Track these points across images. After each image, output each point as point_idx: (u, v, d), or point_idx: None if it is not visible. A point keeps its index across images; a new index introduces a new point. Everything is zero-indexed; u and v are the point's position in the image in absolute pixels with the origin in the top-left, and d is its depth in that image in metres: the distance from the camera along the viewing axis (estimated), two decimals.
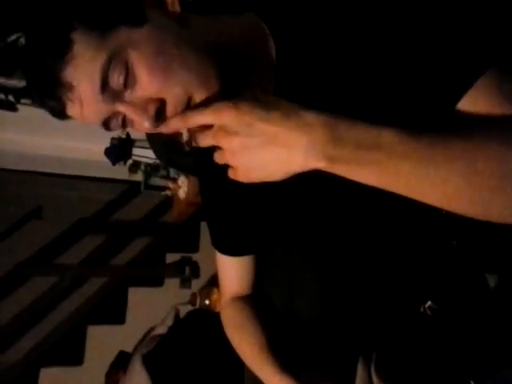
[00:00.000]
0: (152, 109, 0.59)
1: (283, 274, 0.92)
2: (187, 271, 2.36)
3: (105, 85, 0.58)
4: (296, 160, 0.54)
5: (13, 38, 1.10)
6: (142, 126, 0.61)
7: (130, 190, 2.45)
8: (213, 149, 0.71)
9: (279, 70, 0.67)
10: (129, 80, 0.59)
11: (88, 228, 2.44)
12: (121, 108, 0.60)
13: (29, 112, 1.59)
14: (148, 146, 1.61)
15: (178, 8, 0.63)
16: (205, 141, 0.59)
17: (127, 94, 0.60)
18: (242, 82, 0.65)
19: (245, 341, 0.91)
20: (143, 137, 1.73)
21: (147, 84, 0.59)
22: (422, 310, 0.72)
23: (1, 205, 2.25)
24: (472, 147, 0.51)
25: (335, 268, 0.84)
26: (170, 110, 0.60)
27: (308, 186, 0.70)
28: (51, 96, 0.60)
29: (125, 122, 0.63)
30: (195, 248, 2.43)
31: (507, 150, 0.51)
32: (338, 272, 0.83)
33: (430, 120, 0.57)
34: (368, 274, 0.80)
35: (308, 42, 0.64)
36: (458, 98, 0.57)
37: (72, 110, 0.61)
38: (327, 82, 0.63)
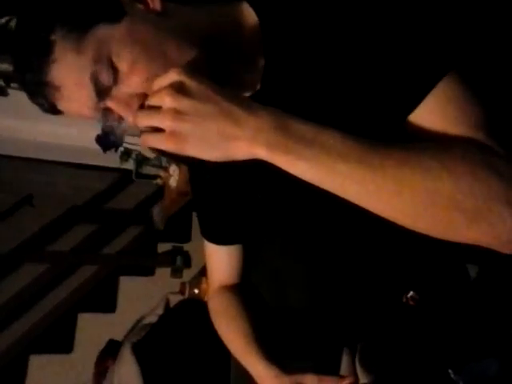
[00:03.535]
0: (135, 104, 0.59)
1: (271, 265, 0.92)
2: (178, 261, 2.36)
3: (92, 83, 0.58)
4: (240, 142, 0.53)
5: (2, 21, 1.08)
6: (127, 120, 0.61)
7: (122, 178, 2.43)
8: None
9: (266, 60, 0.67)
10: (115, 77, 0.58)
11: (79, 216, 2.43)
12: (108, 104, 0.60)
13: (20, 97, 1.57)
14: (139, 134, 1.60)
15: (158, 4, 0.62)
16: (153, 97, 0.55)
17: (114, 90, 0.59)
18: (227, 72, 0.64)
19: (230, 329, 0.91)
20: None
21: (129, 79, 0.59)
22: (404, 300, 0.72)
23: None
24: (408, 159, 0.52)
25: (321, 259, 0.84)
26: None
27: (291, 182, 0.71)
28: (39, 95, 0.60)
29: (121, 117, 0.63)
30: (187, 238, 2.43)
31: (438, 166, 0.51)
32: (324, 263, 0.84)
33: (382, 130, 0.57)
34: (352, 265, 0.80)
35: (294, 40, 0.64)
36: (408, 112, 0.57)
37: (63, 106, 0.62)
38: (305, 80, 0.64)
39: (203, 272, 2.13)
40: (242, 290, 0.96)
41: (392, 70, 0.57)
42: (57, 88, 0.59)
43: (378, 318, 0.78)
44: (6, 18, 1.06)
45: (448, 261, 0.76)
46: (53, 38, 0.58)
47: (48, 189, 2.38)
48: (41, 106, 0.62)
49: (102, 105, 0.60)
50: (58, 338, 2.14)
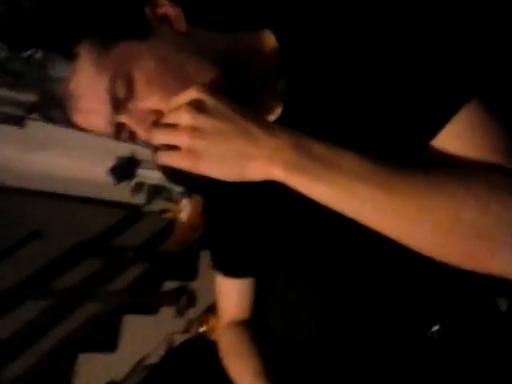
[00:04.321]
0: (149, 120, 0.60)
1: (284, 299, 0.89)
2: (183, 300, 2.31)
3: (109, 97, 0.59)
4: (257, 162, 0.53)
5: (28, 53, 1.11)
6: (140, 136, 0.62)
7: (131, 214, 2.43)
8: None
9: (287, 86, 0.68)
10: (131, 92, 0.60)
11: (85, 252, 2.41)
12: (122, 118, 0.61)
13: (34, 129, 1.60)
14: (154, 167, 1.61)
15: (183, 26, 0.64)
16: (171, 114, 0.55)
17: (130, 105, 0.60)
18: (247, 96, 0.65)
19: (239, 365, 0.88)
20: (149, 157, 1.74)
21: (145, 95, 0.60)
22: (429, 334, 0.69)
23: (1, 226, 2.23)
24: (431, 184, 0.51)
25: (337, 291, 0.82)
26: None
27: (307, 211, 0.70)
28: (57, 106, 0.61)
29: (133, 133, 0.63)
30: (193, 276, 2.40)
31: (464, 192, 0.50)
32: (340, 295, 0.81)
33: (403, 155, 0.56)
34: (370, 297, 0.78)
35: (314, 66, 0.65)
36: (430, 137, 0.57)
37: (79, 118, 0.63)
38: (325, 104, 0.64)
39: (209, 310, 2.09)
40: (253, 326, 0.93)
41: (414, 95, 0.57)
42: (75, 99, 0.61)
43: (400, 354, 0.74)
44: (32, 51, 1.09)
45: (475, 293, 0.73)
46: (78, 49, 0.59)
47: (56, 223, 2.38)
48: (60, 119, 0.63)
49: (116, 119, 0.61)
50: (55, 378, 2.07)
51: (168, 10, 0.64)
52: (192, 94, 0.54)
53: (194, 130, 0.53)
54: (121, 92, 0.60)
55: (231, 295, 0.93)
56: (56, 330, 2.17)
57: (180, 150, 0.53)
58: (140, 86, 0.60)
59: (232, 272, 0.91)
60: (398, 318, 0.77)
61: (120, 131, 0.63)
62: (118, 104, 0.60)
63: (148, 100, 0.60)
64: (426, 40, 0.57)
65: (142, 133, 0.61)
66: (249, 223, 0.85)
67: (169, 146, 0.54)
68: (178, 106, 0.54)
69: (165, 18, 0.64)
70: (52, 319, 2.18)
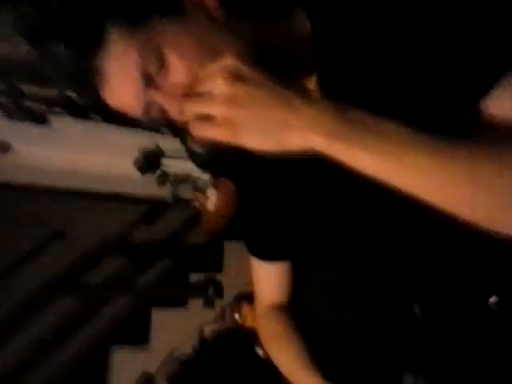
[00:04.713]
0: (180, 93, 0.58)
1: (322, 280, 0.88)
2: (211, 291, 2.32)
3: (139, 72, 0.58)
4: (296, 131, 0.50)
5: (51, 45, 1.11)
6: (170, 111, 0.60)
7: (157, 208, 2.44)
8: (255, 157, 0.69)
9: (321, 68, 0.66)
10: (161, 67, 0.58)
11: (112, 248, 2.44)
12: (153, 94, 0.60)
13: (58, 126, 1.60)
14: (177, 155, 1.61)
15: (218, 13, 0.62)
16: (206, 82, 0.53)
17: (160, 80, 0.59)
18: (281, 76, 0.63)
19: (283, 350, 0.87)
20: (172, 147, 1.73)
21: (176, 70, 0.58)
22: (487, 305, 0.67)
23: (25, 225, 2.26)
24: (482, 150, 0.49)
25: (380, 269, 0.80)
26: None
27: (344, 188, 0.68)
28: (87, 84, 0.60)
29: (163, 110, 0.62)
30: (219, 268, 2.40)
31: None
32: (383, 273, 0.79)
33: (452, 122, 0.55)
34: (421, 272, 0.76)
35: (347, 43, 0.63)
36: (479, 99, 0.55)
37: (109, 96, 0.62)
38: (365, 80, 0.62)
39: (239, 299, 2.09)
40: (293, 309, 0.92)
41: (460, 57, 0.55)
42: (105, 75, 0.60)
43: (457, 327, 0.72)
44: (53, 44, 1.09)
45: None
46: (109, 25, 0.58)
47: (81, 220, 2.40)
48: (91, 99, 0.63)
49: (147, 95, 0.60)
50: (90, 372, 2.10)
51: None
52: (227, 61, 0.52)
53: (230, 98, 0.50)
54: (151, 67, 0.58)
55: (269, 279, 0.92)
56: (88, 325, 2.20)
57: (216, 121, 0.51)
58: (171, 59, 0.58)
59: (268, 256, 0.89)
60: (453, 292, 0.74)
61: (149, 109, 0.62)
62: (149, 79, 0.59)
63: (180, 73, 0.59)
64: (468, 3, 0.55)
65: (173, 108, 0.60)
66: (282, 204, 0.84)
67: (204, 117, 0.52)
68: (213, 74, 0.52)
69: (201, 5, 0.63)
70: (84, 315, 2.21)
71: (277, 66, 0.62)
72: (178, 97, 0.59)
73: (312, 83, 0.67)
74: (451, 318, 0.74)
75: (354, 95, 0.61)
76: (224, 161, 0.83)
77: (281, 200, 0.83)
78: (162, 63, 0.58)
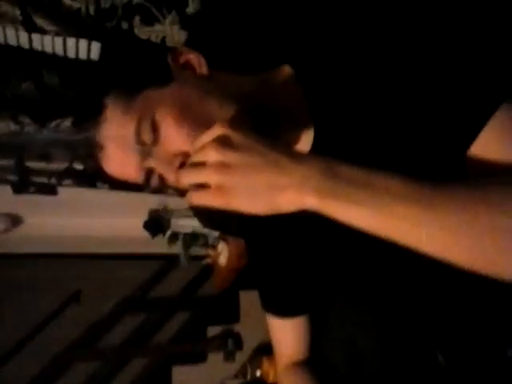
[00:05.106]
0: (176, 162, 0.61)
1: (342, 333, 0.87)
2: (230, 344, 2.27)
3: (136, 143, 0.62)
4: (288, 192, 0.51)
5: (54, 123, 1.16)
6: (169, 179, 0.63)
7: (169, 263, 2.44)
8: None
9: (315, 119, 0.68)
10: (156, 137, 0.61)
11: (128, 307, 2.42)
12: (150, 163, 0.63)
13: (67, 195, 1.63)
14: (186, 215, 1.63)
15: (205, 70, 0.66)
16: (197, 153, 0.55)
17: (156, 150, 0.62)
18: (271, 130, 0.65)
19: None
20: (181, 206, 1.75)
21: (171, 140, 0.62)
22: (508, 354, 0.65)
23: (40, 291, 2.26)
24: (472, 196, 0.49)
25: (401, 320, 0.79)
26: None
27: (352, 236, 0.68)
28: (88, 157, 0.64)
29: (162, 178, 0.64)
30: (236, 318, 2.37)
31: (507, 200, 0.48)
32: (404, 324, 0.78)
33: (441, 170, 0.56)
34: (445, 320, 0.74)
35: (336, 93, 0.65)
36: (466, 147, 0.56)
37: (109, 168, 0.66)
38: (356, 134, 0.64)
39: (257, 353, 2.05)
40: (314, 365, 0.90)
41: (446, 107, 0.57)
42: (103, 148, 0.63)
43: (476, 376, 0.70)
44: (59, 120, 1.14)
45: None
46: (106, 100, 0.62)
47: (95, 283, 2.39)
48: (91, 169, 0.66)
49: (145, 164, 0.63)
50: None
51: (189, 56, 0.67)
52: (216, 130, 0.54)
53: (221, 166, 0.52)
54: (147, 137, 0.61)
55: (286, 336, 0.91)
56: None
57: (210, 189, 0.53)
58: (165, 129, 0.61)
59: (284, 311, 0.89)
60: (475, 340, 0.73)
61: (149, 177, 0.65)
62: (145, 149, 0.62)
63: (173, 143, 0.62)
64: (452, 52, 0.57)
65: (170, 176, 0.62)
66: (292, 258, 0.84)
67: (199, 186, 0.54)
68: (204, 145, 0.54)
69: (187, 65, 0.67)
70: (102, 379, 2.17)
71: (265, 118, 0.64)
72: (174, 166, 0.61)
73: (305, 134, 0.69)
74: (473, 366, 0.73)
75: (349, 146, 0.63)
76: (229, 221, 0.85)
77: (290, 254, 0.83)
78: (156, 133, 0.61)
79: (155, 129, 0.61)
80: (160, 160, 0.63)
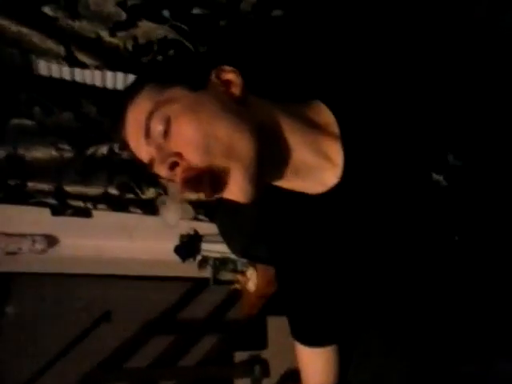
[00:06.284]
0: (170, 160, 0.66)
1: (372, 364, 0.86)
2: (257, 370, 2.25)
3: (146, 131, 0.66)
4: None
5: (92, 150, 1.21)
6: (160, 173, 0.68)
7: (198, 286, 2.45)
8: (288, 236, 0.72)
9: (346, 155, 0.69)
10: (164, 130, 0.66)
11: (156, 329, 2.43)
12: (153, 151, 0.68)
13: (101, 218, 1.68)
14: (216, 240, 1.65)
15: (238, 91, 0.69)
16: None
17: (162, 143, 0.66)
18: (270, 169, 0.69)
19: None
20: (211, 231, 1.78)
21: (174, 138, 0.66)
22: None
23: (74, 311, 2.30)
24: None
25: (423, 349, 0.77)
26: (182, 166, 0.66)
27: (380, 267, 0.69)
28: (116, 131, 0.72)
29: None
30: (263, 345, 2.35)
31: None
32: (426, 353, 0.77)
33: None
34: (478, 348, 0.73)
35: (371, 133, 0.69)
36: None
37: (130, 144, 0.71)
38: (386, 169, 0.67)
39: (285, 380, 2.02)
40: None
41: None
42: (125, 125, 0.69)
43: None
44: (95, 147, 1.20)
45: None
46: (145, 85, 0.68)
47: (126, 303, 2.42)
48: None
49: (149, 150, 0.68)
50: None
51: (231, 77, 0.70)
52: None
53: None
54: (154, 126, 0.65)
55: (314, 365, 0.90)
56: None
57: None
58: (173, 127, 0.65)
59: (312, 341, 0.88)
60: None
61: (153, 163, 0.69)
62: (150, 137, 0.66)
63: (176, 143, 0.66)
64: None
65: (162, 171, 0.67)
66: (322, 287, 0.84)
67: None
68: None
69: (226, 82, 0.70)
70: None
71: (273, 153, 0.67)
72: (168, 163, 0.66)
73: (335, 170, 0.70)
74: None
75: (378, 182, 0.64)
76: (258, 247, 0.86)
77: (320, 282, 0.83)
78: (165, 126, 0.65)
79: (165, 122, 0.65)
80: (158, 152, 0.67)
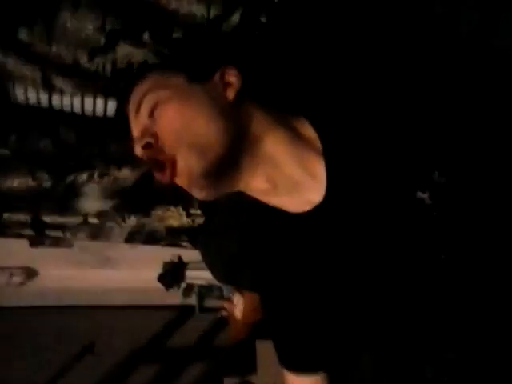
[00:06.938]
0: (145, 140, 0.69)
1: None
2: None
3: (137, 108, 0.70)
4: None
5: (70, 178, 1.19)
6: (136, 150, 0.71)
7: (184, 314, 2.41)
8: (270, 258, 0.70)
9: (328, 171, 0.69)
10: (152, 112, 0.69)
11: (142, 357, 2.38)
12: (137, 125, 0.71)
13: (81, 247, 1.65)
14: (200, 267, 1.62)
15: (232, 96, 0.70)
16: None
17: (147, 123, 0.70)
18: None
19: None
20: (195, 258, 1.75)
21: (157, 121, 0.69)
22: None
23: (54, 343, 2.25)
24: None
25: (416, 372, 0.76)
26: (155, 148, 0.69)
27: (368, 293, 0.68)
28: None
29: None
30: (253, 369, 2.30)
31: None
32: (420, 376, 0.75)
33: None
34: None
35: (354, 151, 0.68)
36: None
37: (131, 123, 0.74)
38: (369, 186, 0.67)
39: None
40: None
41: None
42: (128, 101, 0.73)
43: None
44: (74, 175, 1.17)
45: None
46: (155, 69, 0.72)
47: (109, 333, 2.37)
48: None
49: (135, 123, 0.71)
50: None
51: (233, 79, 0.71)
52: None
53: None
54: (144, 107, 0.69)
55: None
56: None
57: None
58: (159, 110, 0.68)
59: (300, 368, 0.86)
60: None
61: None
62: (139, 115, 0.70)
63: (156, 127, 0.69)
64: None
65: (137, 148, 0.70)
66: (308, 313, 0.82)
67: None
68: None
69: (225, 83, 0.71)
70: None
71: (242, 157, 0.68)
72: (143, 141, 0.69)
73: (317, 186, 0.70)
74: None
75: (362, 198, 0.63)
76: (242, 274, 0.84)
77: (306, 309, 0.81)
78: (152, 109, 0.69)
79: (153, 104, 0.68)
80: (142, 130, 0.70)
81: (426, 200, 0.66)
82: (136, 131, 0.73)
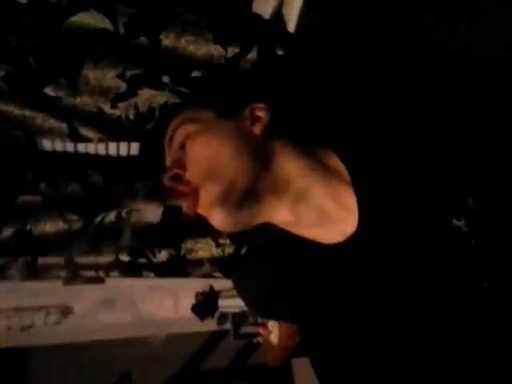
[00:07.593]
0: (173, 172, 0.73)
1: None
2: None
3: (169, 140, 0.75)
4: None
5: (99, 218, 1.21)
6: (164, 182, 0.74)
7: (219, 338, 2.41)
8: (307, 289, 0.70)
9: (359, 202, 0.69)
10: (183, 146, 0.72)
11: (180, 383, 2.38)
12: (168, 158, 0.75)
13: (115, 283, 1.66)
14: (233, 295, 1.62)
15: (259, 130, 0.70)
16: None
17: (178, 155, 0.73)
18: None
19: None
20: (227, 287, 1.75)
21: (187, 155, 0.72)
22: None
23: (93, 374, 2.26)
24: None
25: None
26: (183, 179, 0.72)
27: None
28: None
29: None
30: None
31: None
32: None
33: None
34: None
35: (379, 167, 0.69)
36: None
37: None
38: (402, 215, 0.67)
39: None
40: None
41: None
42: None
43: None
44: (103, 215, 1.19)
45: None
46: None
47: (146, 361, 2.38)
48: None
49: (168, 152, 0.76)
50: None
51: (262, 114, 0.73)
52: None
53: None
54: (176, 140, 0.73)
55: None
56: None
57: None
58: (187, 146, 0.72)
59: None
60: None
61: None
62: (171, 147, 0.74)
63: (186, 159, 0.71)
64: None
65: (166, 178, 0.73)
66: (349, 343, 0.82)
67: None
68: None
69: (254, 118, 0.73)
70: None
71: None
72: (172, 173, 0.72)
73: (349, 218, 0.69)
74: None
75: (393, 230, 0.63)
76: (281, 308, 0.84)
77: (345, 337, 0.81)
78: (182, 142, 0.72)
79: (184, 137, 0.72)
80: (173, 161, 0.74)
81: (463, 228, 0.66)
82: (168, 162, 0.75)
